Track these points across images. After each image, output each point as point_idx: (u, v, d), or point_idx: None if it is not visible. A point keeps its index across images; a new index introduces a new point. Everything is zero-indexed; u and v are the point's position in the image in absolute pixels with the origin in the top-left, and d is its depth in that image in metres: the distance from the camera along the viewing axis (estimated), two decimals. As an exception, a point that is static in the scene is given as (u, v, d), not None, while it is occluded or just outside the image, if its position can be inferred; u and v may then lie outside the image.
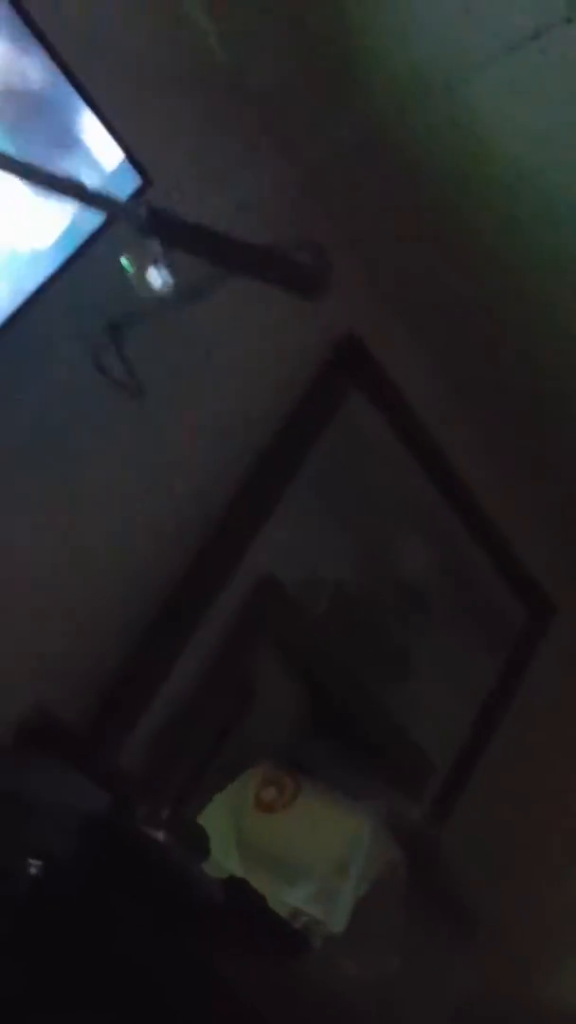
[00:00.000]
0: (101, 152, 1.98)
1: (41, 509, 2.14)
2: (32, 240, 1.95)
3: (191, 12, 2.32)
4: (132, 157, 1.99)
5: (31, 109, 1.94)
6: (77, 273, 1.98)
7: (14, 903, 1.55)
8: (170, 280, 1.77)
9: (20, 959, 1.53)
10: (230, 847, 2.15)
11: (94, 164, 1.98)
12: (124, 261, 1.77)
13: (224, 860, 2.03)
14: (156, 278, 1.76)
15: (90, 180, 1.89)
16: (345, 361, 2.61)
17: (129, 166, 1.99)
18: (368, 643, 2.71)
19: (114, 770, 2.03)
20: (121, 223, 1.73)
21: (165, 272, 1.76)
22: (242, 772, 2.34)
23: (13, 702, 1.97)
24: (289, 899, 2.10)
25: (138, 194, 1.96)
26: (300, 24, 2.27)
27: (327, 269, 1.88)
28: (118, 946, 1.62)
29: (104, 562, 2.23)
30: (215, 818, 2.19)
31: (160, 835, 1.73)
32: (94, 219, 1.93)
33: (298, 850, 2.20)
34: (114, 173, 1.99)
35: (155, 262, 1.75)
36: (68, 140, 1.96)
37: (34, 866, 1.54)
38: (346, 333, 2.61)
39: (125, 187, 1.98)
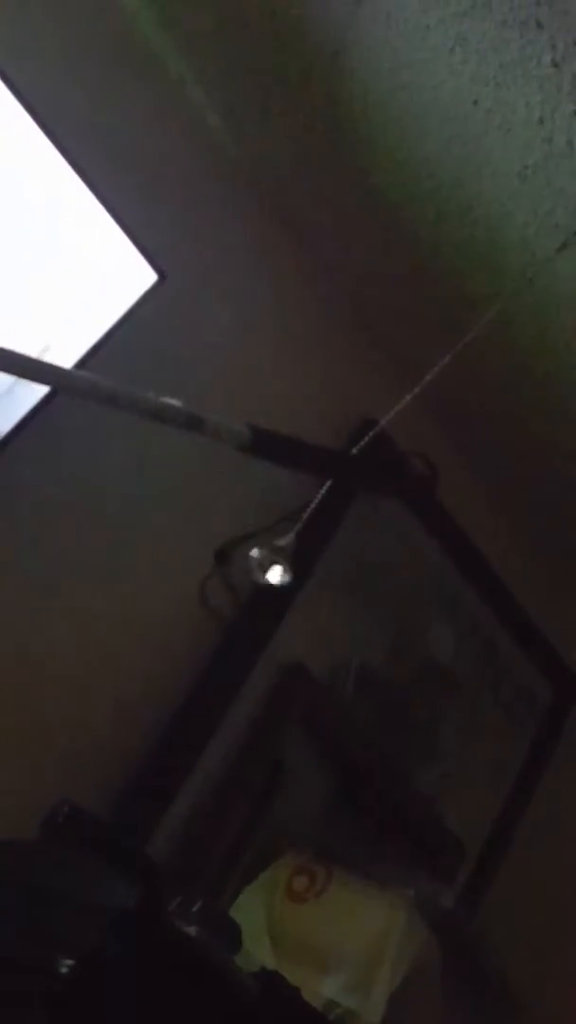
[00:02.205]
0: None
1: (72, 597, 2.15)
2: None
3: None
4: (146, 253, 2.03)
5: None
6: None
7: (46, 1004, 1.53)
8: (288, 580, 1.80)
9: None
10: (263, 938, 2.13)
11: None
12: (254, 553, 1.80)
13: (256, 952, 2.00)
14: (276, 575, 1.80)
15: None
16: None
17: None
18: (396, 725, 2.70)
19: (143, 862, 2.01)
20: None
21: (288, 574, 1.79)
22: (272, 860, 2.32)
23: (39, 794, 1.96)
24: (324, 990, 2.07)
25: (153, 291, 2.00)
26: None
27: (435, 478, 1.83)
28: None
29: (129, 650, 2.23)
30: (247, 909, 2.16)
31: (192, 929, 1.71)
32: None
33: (331, 940, 2.17)
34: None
35: (284, 560, 1.78)
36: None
37: (65, 965, 1.52)
38: (364, 419, 2.58)
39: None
